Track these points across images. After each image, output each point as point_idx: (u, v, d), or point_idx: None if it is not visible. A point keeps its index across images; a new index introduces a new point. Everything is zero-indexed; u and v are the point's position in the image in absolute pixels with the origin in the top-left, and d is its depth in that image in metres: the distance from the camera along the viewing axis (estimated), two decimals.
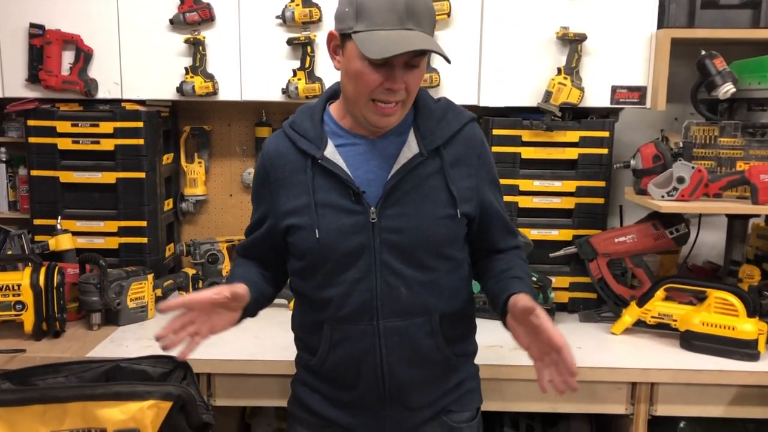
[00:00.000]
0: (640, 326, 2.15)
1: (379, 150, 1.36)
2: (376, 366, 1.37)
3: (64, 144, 2.28)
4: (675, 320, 2.06)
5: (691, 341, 2.01)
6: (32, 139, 2.29)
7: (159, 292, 2.29)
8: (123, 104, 2.28)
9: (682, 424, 2.07)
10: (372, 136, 1.36)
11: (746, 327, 1.95)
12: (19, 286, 1.97)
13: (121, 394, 1.08)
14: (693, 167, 2.02)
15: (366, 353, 1.37)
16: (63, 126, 2.26)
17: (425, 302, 1.37)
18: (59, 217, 2.27)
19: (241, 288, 1.28)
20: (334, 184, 1.33)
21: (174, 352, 1.22)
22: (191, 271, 2.40)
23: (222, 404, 1.96)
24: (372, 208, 1.31)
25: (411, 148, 1.35)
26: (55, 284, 2.01)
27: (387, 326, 1.35)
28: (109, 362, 1.21)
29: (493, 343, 1.99)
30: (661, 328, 2.11)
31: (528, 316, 1.23)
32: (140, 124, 2.26)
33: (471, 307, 1.51)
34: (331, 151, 1.34)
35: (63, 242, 2.26)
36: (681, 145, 2.13)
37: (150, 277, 2.23)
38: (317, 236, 1.32)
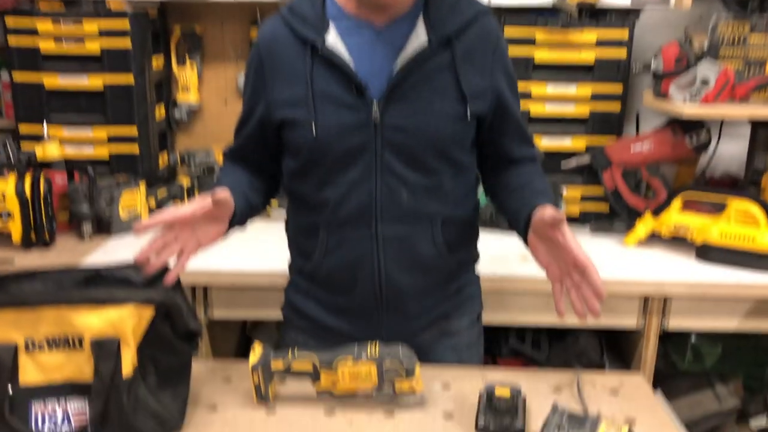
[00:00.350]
0: (654, 239, 2.06)
1: (385, 40, 1.23)
2: (373, 272, 1.29)
3: (47, 46, 2.14)
4: (691, 232, 1.97)
5: (708, 253, 1.93)
6: (12, 41, 2.15)
7: (152, 202, 2.21)
8: (107, 4, 2.12)
9: (693, 339, 2.02)
10: (378, 22, 1.22)
11: (767, 238, 1.86)
12: (3, 195, 1.88)
13: (98, 300, 0.99)
14: (719, 68, 1.87)
15: (363, 259, 1.28)
16: (44, 25, 2.11)
17: (427, 208, 1.28)
18: (45, 121, 2.16)
19: (223, 193, 1.17)
20: (334, 76, 1.21)
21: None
22: (186, 182, 2.31)
23: (220, 317, 1.91)
24: (375, 103, 1.20)
25: (419, 37, 1.22)
26: (42, 193, 1.92)
27: (386, 232, 1.26)
28: (89, 269, 1.11)
29: (500, 254, 1.91)
30: (677, 241, 2.02)
31: (555, 228, 1.13)
32: (126, 25, 2.11)
33: (475, 214, 1.41)
34: (333, 38, 1.22)
35: (51, 151, 2.15)
36: (706, 46, 1.98)
37: (142, 186, 2.13)
38: (314, 134, 1.21)
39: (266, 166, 1.37)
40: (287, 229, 1.41)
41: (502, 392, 1.13)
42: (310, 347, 1.19)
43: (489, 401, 1.12)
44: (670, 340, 2.04)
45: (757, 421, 1.83)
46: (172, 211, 1.13)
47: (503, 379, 1.26)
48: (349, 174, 1.24)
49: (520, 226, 1.24)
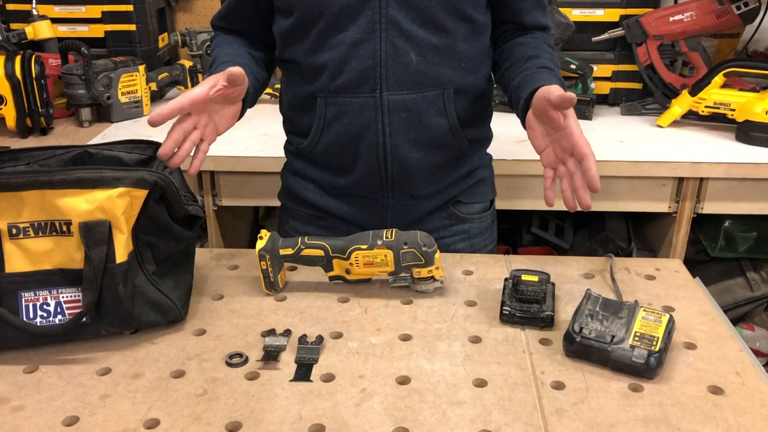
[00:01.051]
0: (690, 118, 1.92)
1: None
2: (377, 145, 1.17)
3: None
4: (733, 110, 1.82)
5: (749, 132, 1.79)
6: None
7: (153, 86, 2.08)
8: None
9: (727, 223, 1.91)
10: None
11: None
12: None
13: (84, 181, 0.90)
14: None
15: (366, 130, 1.16)
16: None
17: (438, 73, 1.14)
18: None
19: (236, 69, 1.03)
20: None
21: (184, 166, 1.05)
22: (188, 63, 2.17)
23: (228, 204, 1.83)
24: None
25: None
26: (34, 75, 1.80)
27: (392, 99, 1.13)
28: (76, 148, 1.01)
29: (519, 137, 1.78)
30: (715, 120, 1.88)
31: (559, 110, 0.99)
32: None
33: (489, 87, 1.26)
34: None
35: (41, 30, 2.01)
36: None
37: (141, 68, 2.00)
38: None
39: (260, 33, 1.23)
40: (281, 106, 1.28)
41: (530, 278, 1.05)
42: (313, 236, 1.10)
43: (515, 288, 1.03)
44: (702, 226, 1.94)
45: None
46: (186, 95, 1.01)
47: (530, 265, 1.17)
48: (348, 33, 1.10)
49: (520, 103, 1.10)
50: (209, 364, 0.92)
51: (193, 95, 1.01)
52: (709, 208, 1.76)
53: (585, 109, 1.97)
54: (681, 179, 1.74)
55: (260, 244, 1.06)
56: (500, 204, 1.76)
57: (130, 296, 0.94)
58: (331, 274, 1.09)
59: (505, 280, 1.07)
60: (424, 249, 1.04)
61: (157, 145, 1.08)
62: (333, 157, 1.21)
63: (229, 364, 0.92)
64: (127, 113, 1.99)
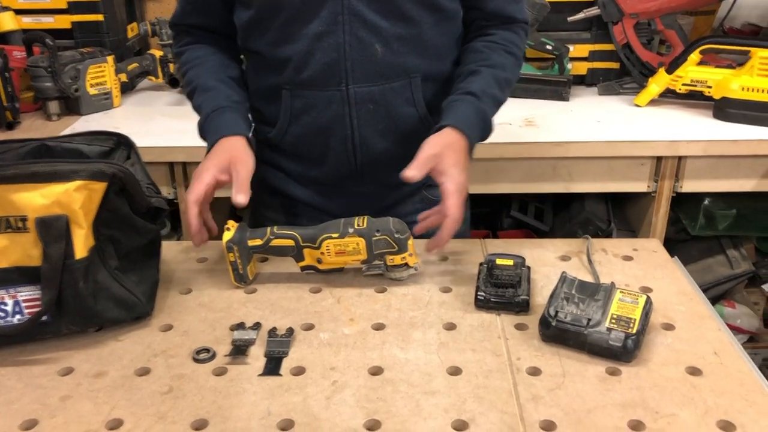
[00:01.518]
0: (668, 97, 1.90)
1: None
2: (346, 138, 1.14)
3: None
4: (710, 87, 1.80)
5: (727, 109, 1.77)
6: None
7: (124, 77, 2.03)
8: None
9: (706, 201, 1.91)
10: None
11: None
12: None
13: (40, 175, 0.86)
14: None
15: (334, 124, 1.13)
16: None
17: (405, 62, 1.11)
18: None
19: (243, 199, 1.01)
20: None
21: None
22: (158, 53, 2.11)
23: None
24: None
25: None
26: None
27: (358, 92, 1.11)
28: (33, 141, 0.98)
29: (500, 120, 1.76)
30: (693, 98, 1.86)
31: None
32: None
33: None
34: None
35: (5, 22, 1.95)
36: None
37: (110, 59, 1.95)
38: None
39: (227, 26, 1.18)
40: (248, 93, 1.25)
41: (504, 262, 1.03)
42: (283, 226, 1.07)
43: (490, 273, 1.01)
44: (681, 205, 1.93)
45: None
46: (189, 205, 1.01)
47: (506, 249, 1.15)
48: (311, 26, 1.07)
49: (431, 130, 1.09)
50: (175, 361, 0.89)
51: (193, 199, 1.01)
52: (689, 186, 1.75)
53: (562, 90, 1.94)
54: (659, 158, 1.73)
55: (227, 235, 1.03)
56: (479, 188, 1.75)
57: (92, 293, 0.91)
58: (303, 264, 1.06)
59: (480, 264, 1.05)
60: (397, 236, 1.02)
61: (119, 136, 1.05)
62: (302, 149, 1.18)
63: (196, 360, 0.89)
64: (96, 105, 1.94)
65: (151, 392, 0.84)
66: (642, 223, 1.87)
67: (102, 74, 1.93)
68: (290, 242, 1.03)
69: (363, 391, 0.83)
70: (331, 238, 1.02)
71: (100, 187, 0.90)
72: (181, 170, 1.74)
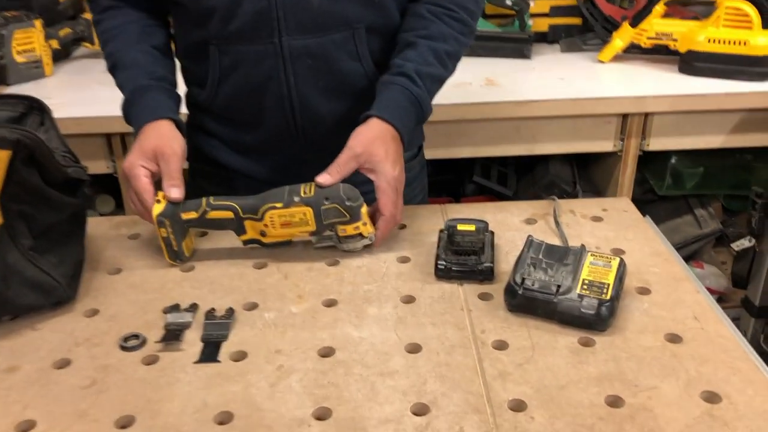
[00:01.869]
0: (632, 52, 1.83)
1: None
2: (282, 98, 1.03)
3: None
4: (675, 40, 1.74)
5: (693, 63, 1.71)
6: None
7: (55, 43, 1.88)
8: None
9: (673, 160, 1.85)
10: None
11: (759, 41, 1.64)
12: None
13: None
14: None
15: (268, 82, 1.02)
16: None
17: (345, 11, 1.00)
18: None
19: (179, 193, 0.93)
20: None
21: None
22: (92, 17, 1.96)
23: None
24: None
25: None
26: None
27: (293, 45, 1.00)
28: None
29: (455, 79, 1.67)
30: (658, 53, 1.80)
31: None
32: None
33: None
34: None
35: None
36: None
37: (38, 23, 1.80)
38: None
39: None
40: (176, 51, 1.13)
41: (466, 228, 0.94)
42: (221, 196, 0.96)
43: (450, 240, 0.92)
44: (647, 164, 1.87)
45: (740, 244, 1.71)
46: (142, 196, 0.93)
47: (467, 214, 1.06)
48: None
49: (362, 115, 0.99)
50: (100, 350, 0.79)
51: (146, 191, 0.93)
52: (656, 144, 1.69)
53: (523, 47, 1.86)
54: (625, 116, 1.66)
55: (157, 208, 0.92)
56: (439, 153, 1.66)
57: (2, 276, 0.80)
58: (245, 237, 0.96)
59: (440, 231, 0.96)
60: (348, 203, 0.92)
61: (31, 99, 0.93)
62: (235, 112, 1.08)
63: (123, 348, 0.79)
64: (25, 74, 1.79)
65: (71, 387, 0.74)
66: (608, 185, 1.81)
67: (30, 40, 1.78)
68: (229, 214, 0.93)
69: (312, 376, 0.74)
70: (274, 208, 0.92)
71: (3, 156, 0.78)
72: (120, 142, 1.62)
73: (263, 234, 0.95)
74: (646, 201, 1.93)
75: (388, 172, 0.94)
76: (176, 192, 0.92)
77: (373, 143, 0.95)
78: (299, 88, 1.02)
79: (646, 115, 1.65)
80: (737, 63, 1.66)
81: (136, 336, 0.81)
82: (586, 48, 1.92)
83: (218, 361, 0.77)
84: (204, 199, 0.93)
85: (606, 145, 1.70)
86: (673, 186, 1.87)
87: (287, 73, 1.01)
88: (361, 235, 0.95)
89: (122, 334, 0.81)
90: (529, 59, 1.87)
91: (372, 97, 1.01)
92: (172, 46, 1.12)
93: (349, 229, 0.94)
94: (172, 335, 0.80)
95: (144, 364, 0.77)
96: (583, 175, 1.92)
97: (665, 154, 1.83)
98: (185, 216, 0.92)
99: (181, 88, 1.12)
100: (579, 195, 1.84)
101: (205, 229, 0.96)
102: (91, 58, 1.98)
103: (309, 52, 1.00)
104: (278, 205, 0.92)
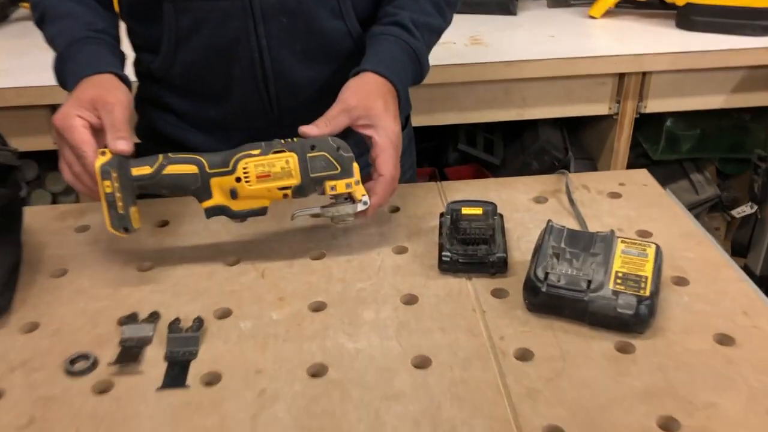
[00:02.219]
0: (624, 6, 1.71)
1: None
2: (253, 63, 0.88)
3: None
4: None
5: (691, 17, 1.59)
6: None
7: None
8: None
9: (668, 122, 1.74)
10: None
11: None
12: None
13: None
14: None
15: (236, 44, 0.87)
16: None
17: None
18: None
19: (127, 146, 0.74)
20: None
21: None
22: None
23: None
24: None
25: None
26: None
27: (266, 1, 0.84)
28: None
29: (443, 39, 1.52)
30: (652, 7, 1.67)
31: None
32: None
33: None
34: None
35: None
36: None
37: None
38: None
39: None
40: (120, 10, 0.95)
41: (471, 211, 0.81)
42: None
43: (455, 226, 0.79)
44: (641, 127, 1.75)
45: (740, 210, 1.62)
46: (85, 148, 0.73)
47: (469, 193, 0.93)
48: None
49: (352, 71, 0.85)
50: (41, 376, 0.65)
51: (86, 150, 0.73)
52: (653, 106, 1.58)
53: (509, 2, 1.72)
54: (622, 76, 1.54)
55: (101, 159, 0.73)
56: (421, 119, 1.52)
57: None
58: (209, 204, 0.77)
59: (441, 215, 0.83)
60: (340, 152, 0.77)
61: None
62: (197, 82, 0.92)
63: (70, 373, 0.65)
64: None
65: (3, 427, 0.59)
66: (602, 150, 1.70)
67: None
68: (192, 168, 0.76)
69: (301, 402, 0.61)
70: (250, 156, 0.76)
71: None
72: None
73: (234, 195, 0.77)
74: (639, 166, 1.81)
75: (389, 126, 0.79)
76: (123, 144, 0.74)
77: (369, 96, 0.80)
78: (272, 52, 0.87)
79: (644, 74, 1.53)
80: (738, 17, 1.54)
81: (85, 356, 0.67)
82: (574, 3, 1.79)
83: (186, 386, 0.63)
84: (161, 155, 0.77)
85: (601, 108, 1.58)
86: (667, 150, 1.76)
87: (258, 34, 0.86)
88: (352, 200, 0.79)
89: (68, 354, 0.67)
90: (515, 15, 1.73)
91: (357, 61, 0.86)
92: (115, 2, 0.95)
93: (340, 186, 0.77)
94: (129, 354, 0.67)
95: (95, 393, 0.63)
96: (575, 140, 1.81)
97: (660, 117, 1.72)
98: (136, 172, 0.74)
99: (129, 56, 0.95)
100: (571, 162, 1.72)
101: (159, 191, 0.77)
102: (32, 20, 1.79)
103: (284, 9, 0.85)
104: (255, 152, 0.76)
